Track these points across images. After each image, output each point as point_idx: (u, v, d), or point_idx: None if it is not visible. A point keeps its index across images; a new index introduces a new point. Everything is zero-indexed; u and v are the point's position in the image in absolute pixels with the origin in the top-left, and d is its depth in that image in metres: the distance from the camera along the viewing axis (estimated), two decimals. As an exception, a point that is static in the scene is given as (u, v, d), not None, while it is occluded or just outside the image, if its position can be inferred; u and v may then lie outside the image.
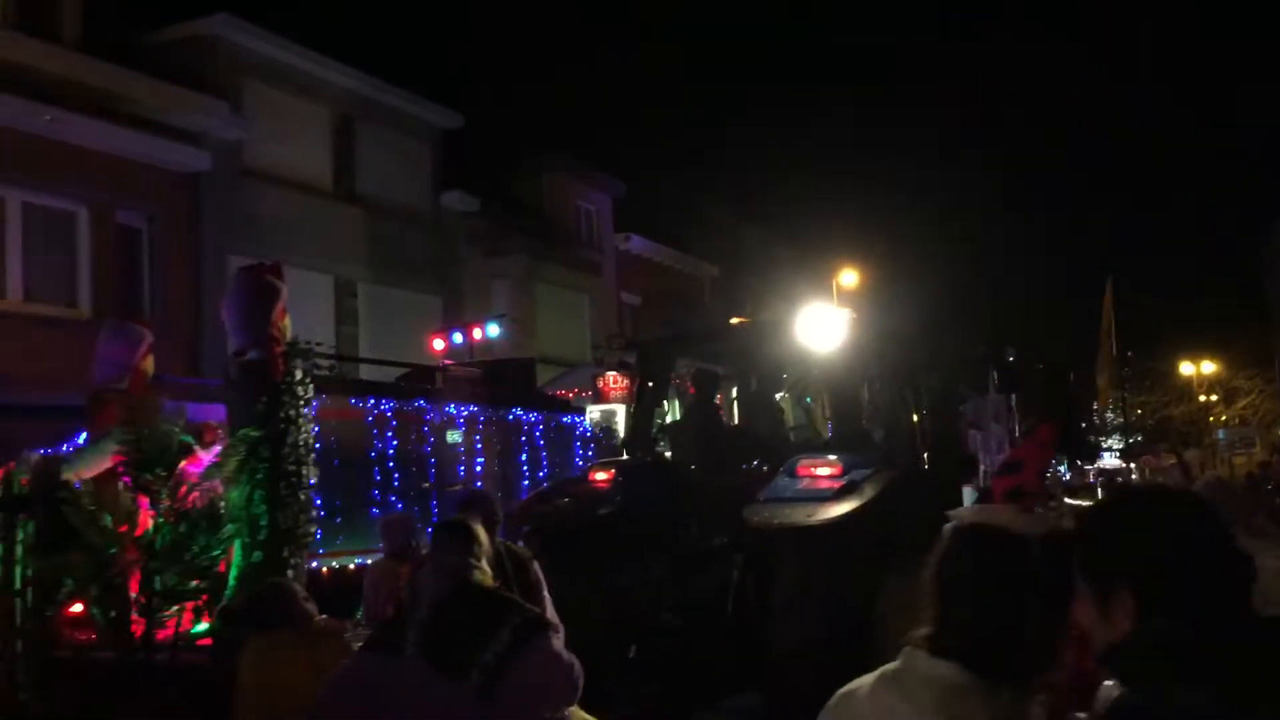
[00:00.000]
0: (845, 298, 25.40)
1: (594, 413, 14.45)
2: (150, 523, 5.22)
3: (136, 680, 4.80)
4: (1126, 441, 32.27)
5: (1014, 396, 9.32)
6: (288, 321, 5.70)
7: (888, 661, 2.21)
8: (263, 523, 5.32)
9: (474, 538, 3.84)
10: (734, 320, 10.08)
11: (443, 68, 34.95)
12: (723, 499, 7.31)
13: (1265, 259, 41.77)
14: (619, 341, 10.02)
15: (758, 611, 6.68)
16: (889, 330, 8.60)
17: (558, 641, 3.57)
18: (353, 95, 20.69)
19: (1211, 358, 42.12)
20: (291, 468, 5.44)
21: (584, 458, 11.84)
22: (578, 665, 3.58)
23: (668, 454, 8.66)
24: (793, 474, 7.07)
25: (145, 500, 5.45)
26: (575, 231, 27.27)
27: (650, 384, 8.68)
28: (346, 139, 20.67)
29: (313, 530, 6.07)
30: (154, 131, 16.44)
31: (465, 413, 10.60)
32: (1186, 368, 41.88)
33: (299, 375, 5.62)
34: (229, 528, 5.22)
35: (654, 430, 8.62)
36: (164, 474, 5.32)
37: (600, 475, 7.93)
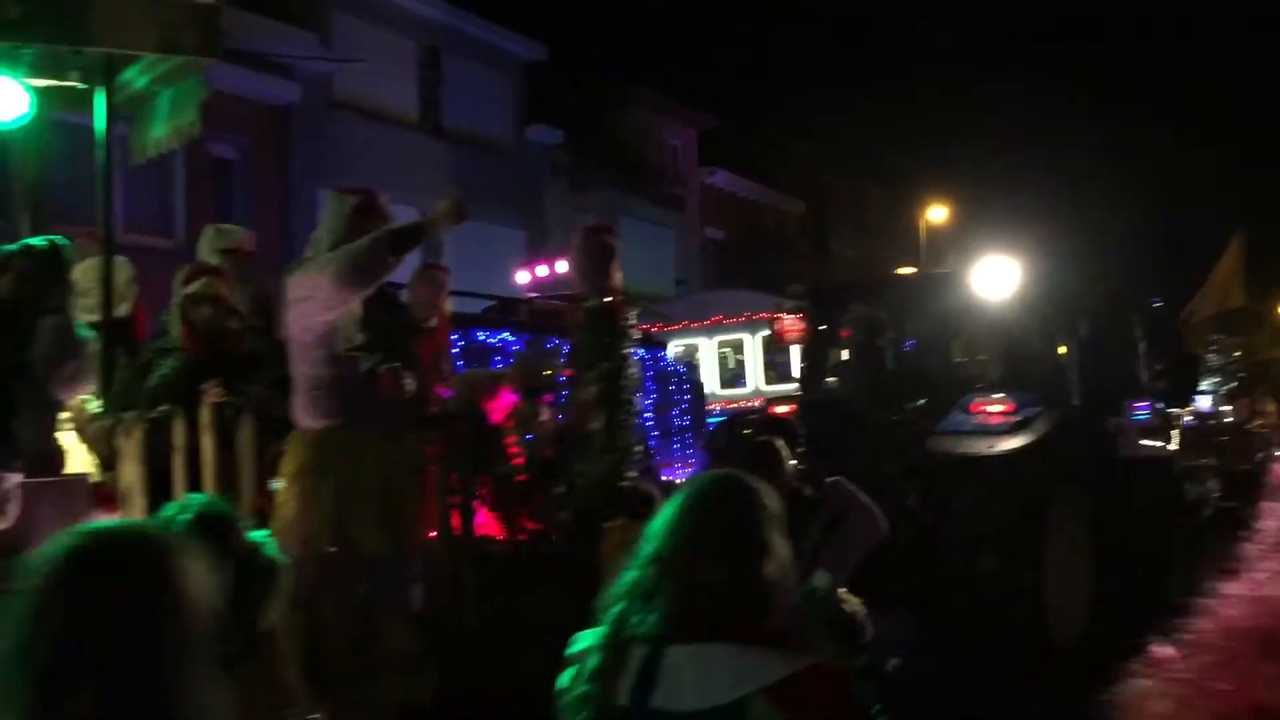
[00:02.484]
0: (940, 240, 24.89)
1: (677, 348, 14.43)
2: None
3: (532, 568, 6.02)
4: (1227, 385, 31.39)
5: (1142, 343, 9.54)
6: (621, 274, 6.69)
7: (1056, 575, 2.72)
8: (609, 442, 6.37)
9: (775, 454, 5.07)
10: (900, 271, 10.40)
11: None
12: (889, 433, 8.04)
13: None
14: (799, 289, 10.83)
15: (930, 536, 7.35)
16: (1051, 281, 9.21)
17: (864, 498, 4.89)
18: (439, 27, 20.72)
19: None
20: (627, 397, 6.44)
21: (677, 392, 11.75)
22: (876, 508, 4.90)
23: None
24: (966, 410, 7.80)
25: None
26: (660, 165, 27.11)
27: (823, 328, 9.33)
28: (433, 72, 20.75)
29: (643, 450, 7.17)
30: (245, 64, 16.64)
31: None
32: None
33: (632, 320, 6.63)
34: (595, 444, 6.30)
35: (825, 370, 9.32)
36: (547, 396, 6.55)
37: (780, 410, 8.77)
